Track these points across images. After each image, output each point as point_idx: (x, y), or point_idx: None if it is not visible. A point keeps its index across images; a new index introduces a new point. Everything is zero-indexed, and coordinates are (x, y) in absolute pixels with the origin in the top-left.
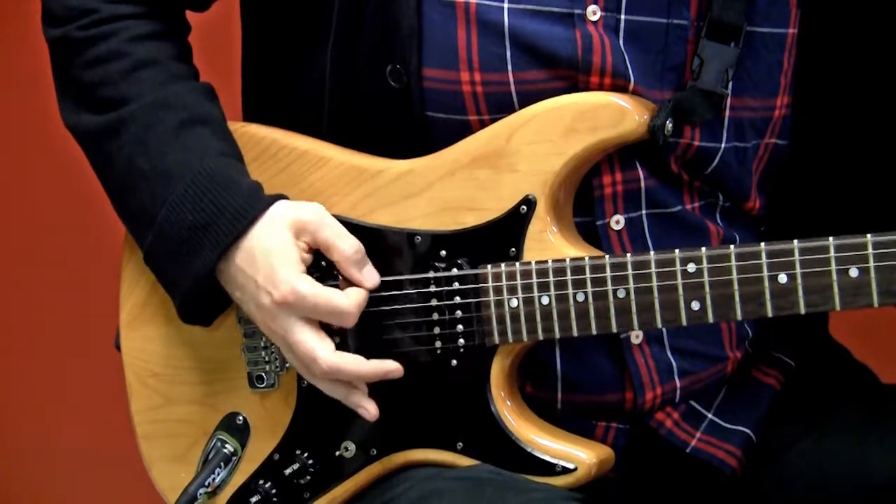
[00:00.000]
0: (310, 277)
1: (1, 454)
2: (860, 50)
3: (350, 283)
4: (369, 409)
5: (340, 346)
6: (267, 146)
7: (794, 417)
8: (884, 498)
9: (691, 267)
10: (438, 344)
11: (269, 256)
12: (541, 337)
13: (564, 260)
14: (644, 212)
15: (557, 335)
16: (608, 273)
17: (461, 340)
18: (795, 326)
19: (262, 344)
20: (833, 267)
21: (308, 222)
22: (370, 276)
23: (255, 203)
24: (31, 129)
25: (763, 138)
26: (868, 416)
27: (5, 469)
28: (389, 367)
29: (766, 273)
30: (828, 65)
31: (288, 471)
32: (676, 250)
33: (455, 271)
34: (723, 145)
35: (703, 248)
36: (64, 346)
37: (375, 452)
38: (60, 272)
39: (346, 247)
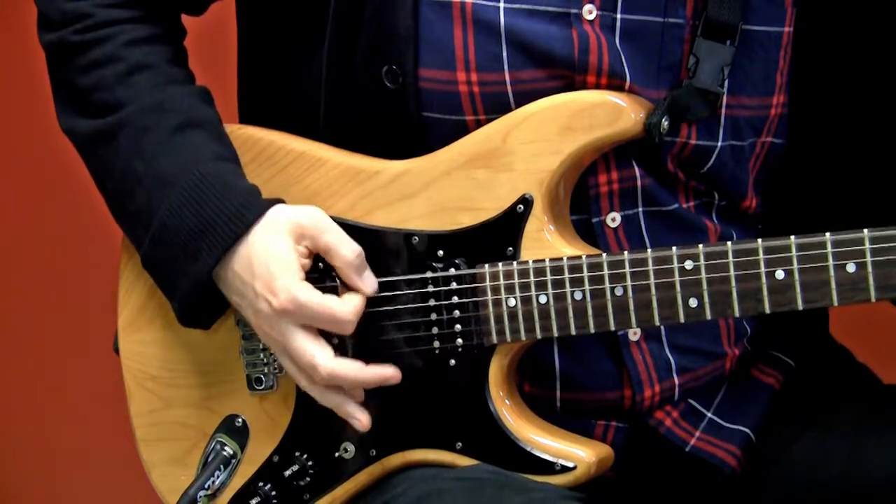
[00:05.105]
0: (309, 285)
1: (1, 455)
2: (857, 48)
3: (348, 287)
4: (361, 419)
5: (338, 348)
6: (264, 148)
7: (794, 417)
8: (883, 498)
9: (689, 264)
10: (437, 344)
11: (268, 262)
12: (539, 336)
13: (562, 259)
14: (641, 209)
15: (555, 334)
16: (605, 271)
17: (459, 340)
18: (795, 326)
19: (261, 346)
20: (830, 262)
21: (308, 227)
22: (369, 282)
23: (253, 206)
24: (30, 130)
25: (759, 137)
26: (867, 415)
27: (5, 469)
28: (388, 373)
29: (763, 269)
30: (824, 63)
31: (288, 472)
32: (674, 248)
33: (453, 271)
34: (719, 144)
35: (701, 245)
36: (63, 348)
37: (375, 453)
38: (59, 275)
39: (347, 252)
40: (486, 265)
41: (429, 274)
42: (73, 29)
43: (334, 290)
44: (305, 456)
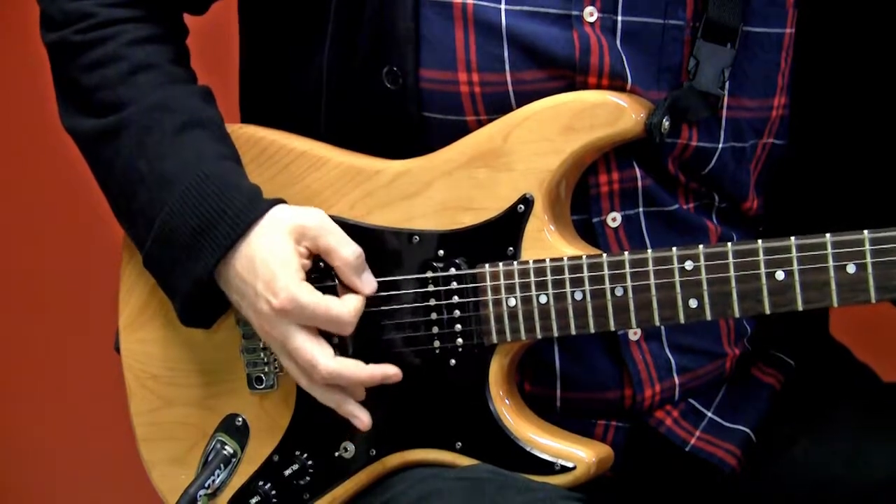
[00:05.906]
0: (309, 285)
1: (1, 454)
2: (858, 50)
3: (347, 287)
4: (362, 418)
5: (339, 348)
6: (265, 147)
7: (794, 416)
8: (884, 497)
9: (689, 264)
10: (437, 344)
11: (269, 263)
12: (539, 336)
13: (562, 259)
14: (641, 209)
15: (556, 334)
16: (606, 271)
17: (459, 340)
18: (796, 326)
19: (261, 345)
20: (830, 263)
21: (309, 228)
22: (368, 283)
23: (255, 206)
24: (31, 130)
25: (761, 138)
26: (867, 414)
27: (5, 469)
28: (388, 371)
29: (763, 270)
30: (825, 65)
31: (288, 472)
32: (674, 248)
33: (453, 271)
34: (720, 146)
35: (701, 246)
36: (63, 348)
37: (375, 453)
38: (60, 274)
39: (347, 253)
40: (487, 265)
41: (429, 273)
42: (75, 28)
43: (334, 291)
44: (305, 455)
